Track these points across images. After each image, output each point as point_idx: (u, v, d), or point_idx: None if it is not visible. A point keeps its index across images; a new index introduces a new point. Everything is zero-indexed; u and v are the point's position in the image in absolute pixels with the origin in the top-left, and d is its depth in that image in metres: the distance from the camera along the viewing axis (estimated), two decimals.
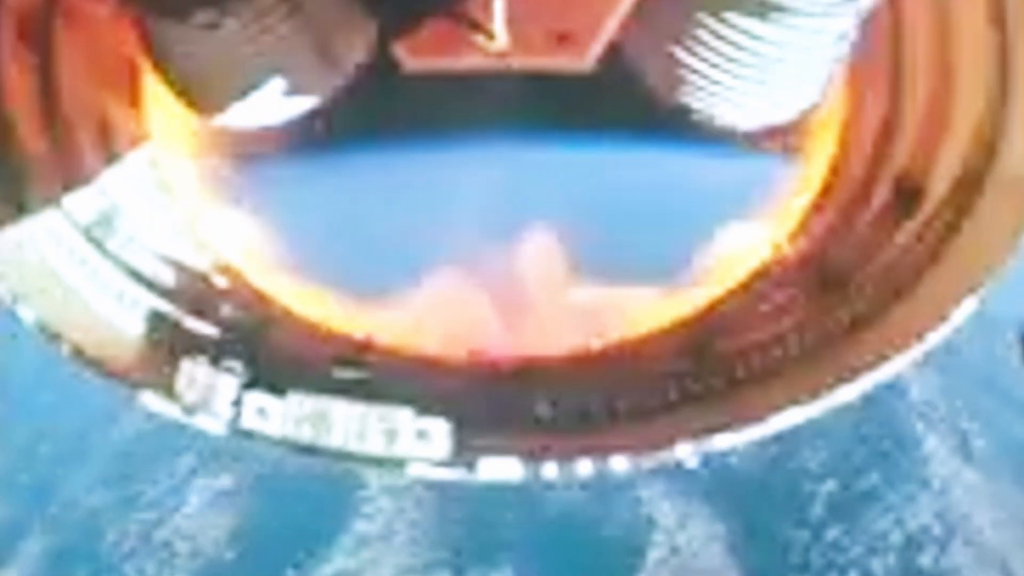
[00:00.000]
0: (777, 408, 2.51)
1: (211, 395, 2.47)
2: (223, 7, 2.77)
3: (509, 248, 3.46)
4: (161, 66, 3.10)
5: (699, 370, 2.83)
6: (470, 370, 3.03)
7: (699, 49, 2.88)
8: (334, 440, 2.43)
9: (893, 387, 15.97)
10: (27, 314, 2.54)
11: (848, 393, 2.53)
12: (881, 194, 3.07)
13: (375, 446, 2.42)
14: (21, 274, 2.62)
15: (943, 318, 2.52)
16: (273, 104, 3.15)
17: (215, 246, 3.26)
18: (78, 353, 2.56)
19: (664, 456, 2.48)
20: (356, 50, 3.32)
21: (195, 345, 2.72)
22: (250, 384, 2.49)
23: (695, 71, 2.94)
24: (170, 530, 14.97)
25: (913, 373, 16.02)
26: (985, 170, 2.68)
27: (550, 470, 2.44)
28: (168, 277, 3.00)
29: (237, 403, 2.47)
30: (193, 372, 2.51)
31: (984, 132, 2.71)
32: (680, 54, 2.93)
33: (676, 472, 14.96)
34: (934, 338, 2.53)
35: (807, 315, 2.93)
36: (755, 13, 2.69)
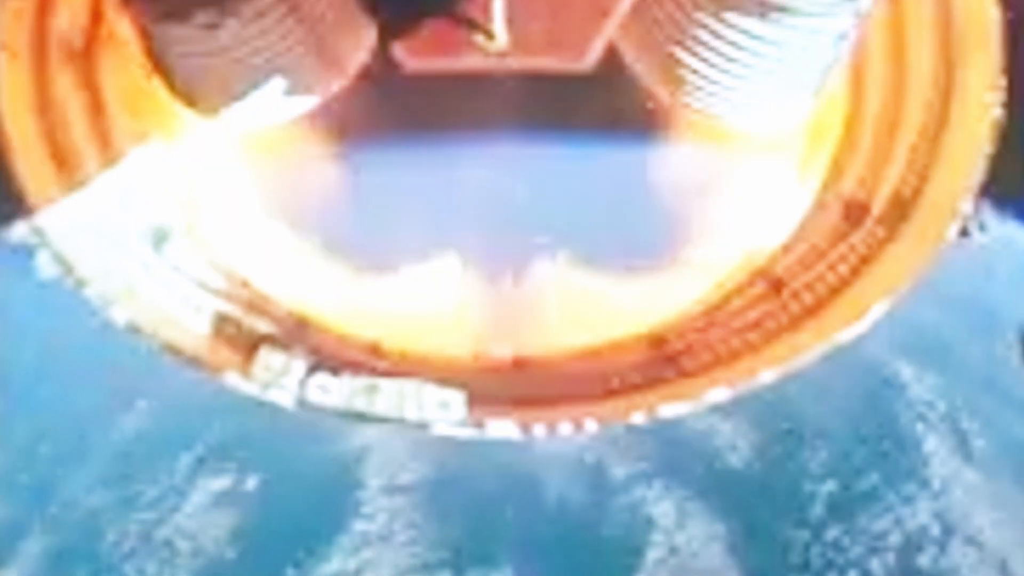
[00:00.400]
0: (713, 389, 3.04)
1: (283, 376, 2.99)
2: (223, 7, 2.78)
3: (508, 247, 3.47)
4: (161, 66, 3.10)
5: (663, 361, 3.23)
6: (473, 370, 3.10)
7: (699, 49, 2.88)
8: (379, 409, 2.95)
9: (893, 387, 15.96)
10: (119, 316, 2.95)
11: (766, 378, 3.04)
12: (834, 207, 3.34)
13: (410, 413, 2.93)
14: (107, 281, 3.01)
15: (860, 319, 2.98)
16: (273, 104, 3.16)
17: (245, 251, 3.50)
18: (170, 349, 2.99)
19: (624, 421, 3.06)
20: (356, 50, 3.33)
21: (260, 339, 3.14)
22: (313, 367, 3.01)
23: (695, 71, 2.94)
24: (170, 530, 14.95)
25: (913, 373, 16.01)
26: (918, 193, 3.04)
27: (538, 431, 2.98)
28: (221, 283, 3.32)
29: (303, 382, 2.98)
30: (268, 358, 3.01)
31: (920, 157, 3.05)
32: (680, 54, 2.93)
33: (675, 472, 14.96)
34: (848, 335, 2.99)
35: (757, 316, 3.25)
36: (755, 13, 2.69)
